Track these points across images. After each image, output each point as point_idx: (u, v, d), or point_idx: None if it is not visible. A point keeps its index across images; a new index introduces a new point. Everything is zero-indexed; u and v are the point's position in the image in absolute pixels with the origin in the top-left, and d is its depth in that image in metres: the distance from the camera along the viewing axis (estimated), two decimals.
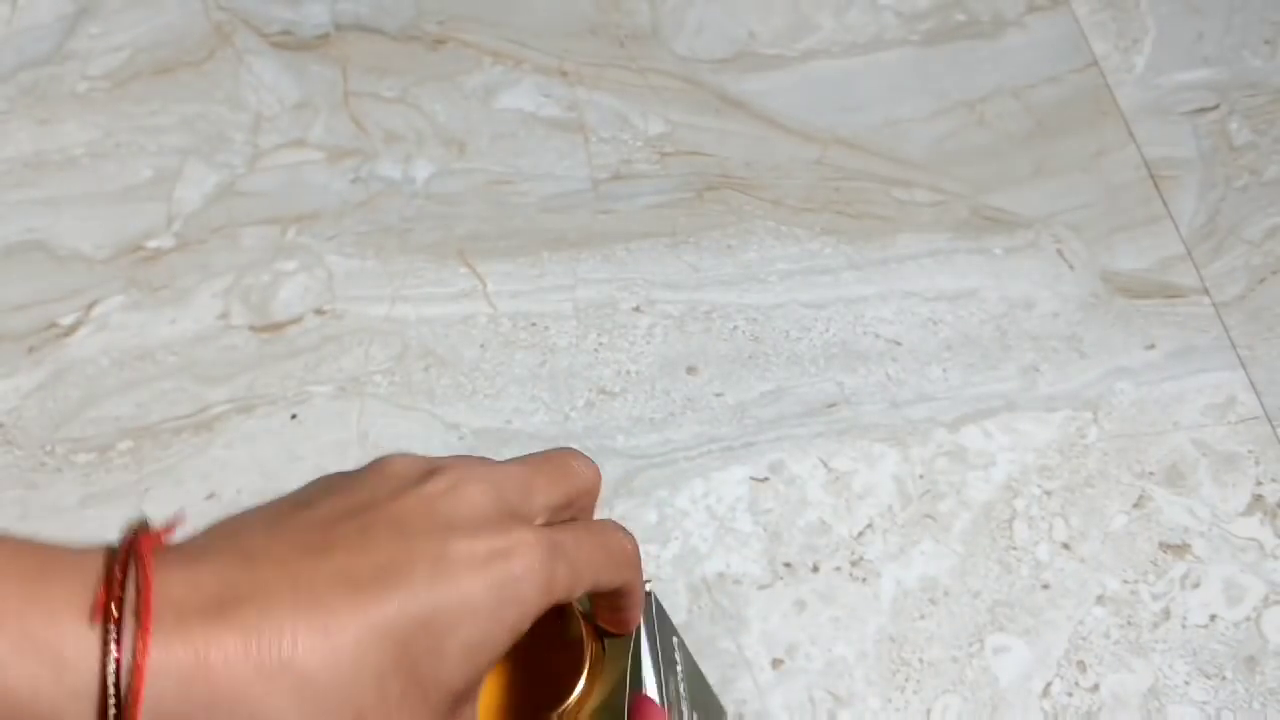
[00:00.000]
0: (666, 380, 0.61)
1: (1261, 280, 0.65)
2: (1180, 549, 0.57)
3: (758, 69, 0.71)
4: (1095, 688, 0.53)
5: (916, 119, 0.70)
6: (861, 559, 0.56)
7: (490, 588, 0.29)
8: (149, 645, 0.26)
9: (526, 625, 0.30)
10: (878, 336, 0.62)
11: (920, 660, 0.54)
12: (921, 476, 0.58)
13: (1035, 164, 0.69)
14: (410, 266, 0.63)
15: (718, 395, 0.60)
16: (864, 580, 0.55)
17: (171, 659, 0.26)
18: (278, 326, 0.61)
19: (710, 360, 0.61)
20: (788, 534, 0.56)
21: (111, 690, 0.26)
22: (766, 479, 0.58)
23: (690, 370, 0.61)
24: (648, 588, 0.39)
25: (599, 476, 0.35)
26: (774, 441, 0.59)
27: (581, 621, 0.37)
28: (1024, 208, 0.67)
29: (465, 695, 0.30)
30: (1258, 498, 0.58)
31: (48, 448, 0.57)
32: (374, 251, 0.64)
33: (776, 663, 0.53)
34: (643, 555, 0.55)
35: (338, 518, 0.30)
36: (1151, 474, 0.59)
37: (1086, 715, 0.53)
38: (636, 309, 0.63)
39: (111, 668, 0.26)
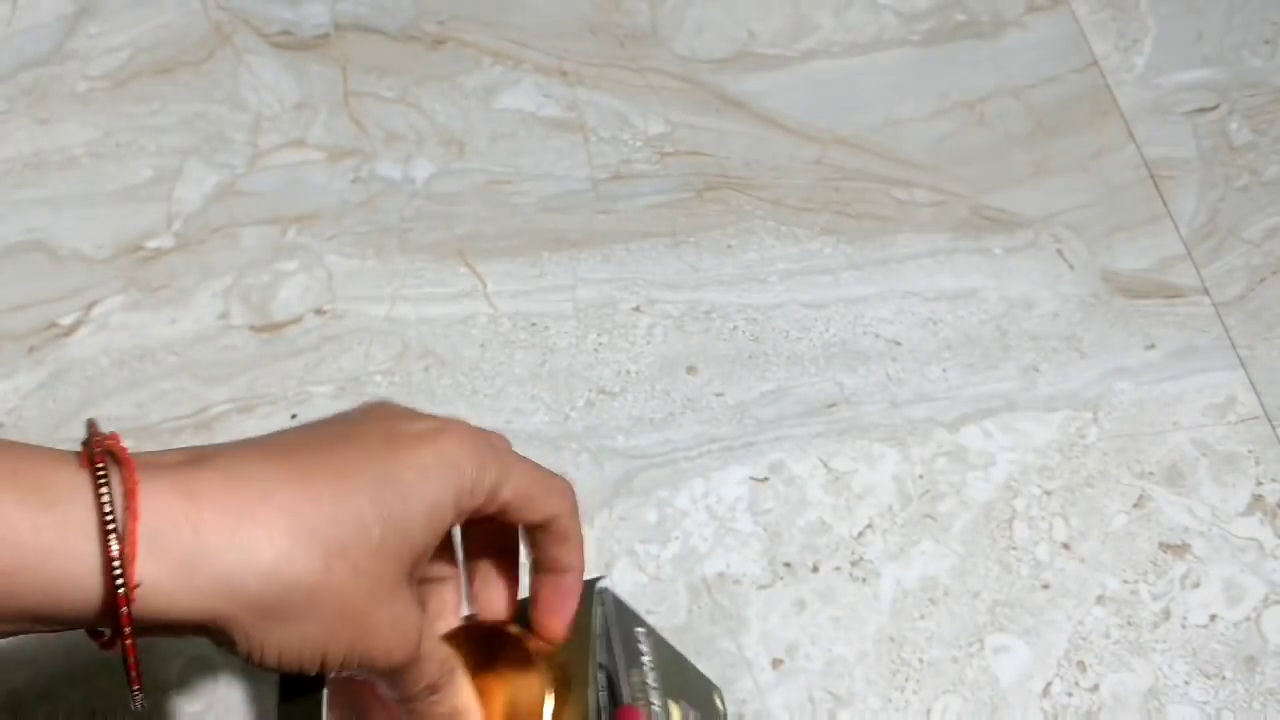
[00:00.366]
0: (666, 380, 0.61)
1: (1261, 280, 0.65)
2: (1180, 549, 0.57)
3: (758, 69, 0.71)
4: (1095, 688, 0.53)
5: (916, 119, 0.70)
6: (861, 559, 0.56)
7: (436, 454, 0.33)
8: (137, 476, 0.29)
9: (468, 505, 0.33)
10: (878, 336, 0.62)
11: (920, 660, 0.54)
12: (921, 476, 0.58)
13: (1035, 164, 0.69)
14: (410, 266, 0.63)
15: (718, 395, 0.60)
16: (864, 580, 0.55)
17: (158, 489, 0.29)
18: (278, 326, 0.61)
19: (710, 360, 0.61)
20: (788, 534, 0.56)
21: (109, 515, 0.28)
22: (766, 479, 0.58)
23: (690, 370, 0.61)
24: (603, 583, 0.39)
25: (571, 502, 0.37)
26: (774, 441, 0.59)
27: (531, 649, 0.37)
28: (1024, 208, 0.67)
29: (421, 559, 0.33)
30: (1258, 498, 0.58)
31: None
32: (374, 251, 0.64)
33: (776, 663, 0.53)
34: (643, 555, 0.55)
35: (310, 430, 0.34)
36: (1151, 474, 0.59)
37: (1086, 715, 0.53)
38: (636, 309, 0.63)
39: (106, 496, 0.28)
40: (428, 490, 0.33)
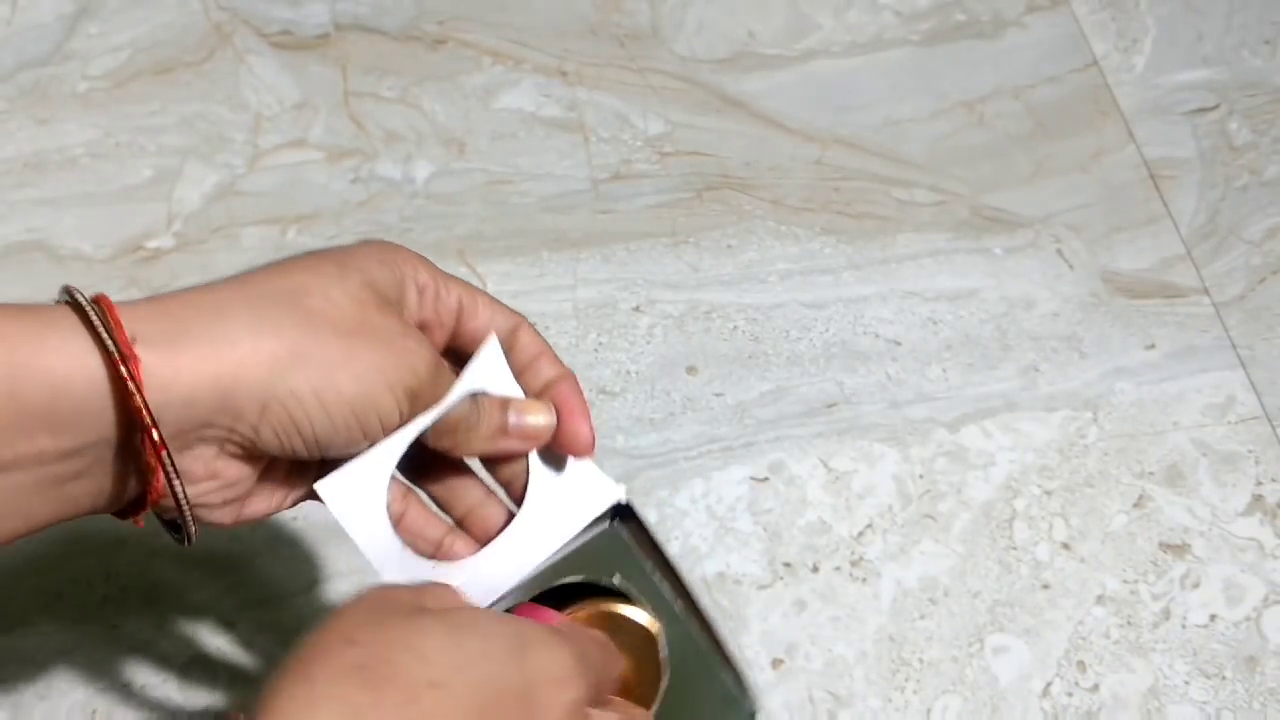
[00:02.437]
0: (666, 380, 0.61)
1: (1261, 280, 0.65)
2: (1180, 549, 0.57)
3: (758, 69, 0.71)
4: (1095, 688, 0.53)
5: (916, 119, 0.70)
6: (861, 559, 0.56)
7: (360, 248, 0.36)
8: (111, 300, 0.30)
9: (411, 275, 0.36)
10: (878, 336, 0.62)
11: (920, 660, 0.54)
12: (921, 476, 0.58)
13: (1035, 164, 0.69)
14: None
15: (718, 395, 0.60)
16: (864, 580, 0.55)
17: (133, 306, 0.31)
18: None
19: (710, 360, 0.61)
20: (788, 534, 0.56)
21: (95, 323, 0.29)
22: (766, 479, 0.58)
23: (690, 370, 0.61)
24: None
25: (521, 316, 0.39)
26: (774, 441, 0.59)
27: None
28: (1024, 208, 0.67)
29: (393, 298, 0.35)
30: (1258, 498, 0.58)
31: None
32: None
33: (776, 663, 0.53)
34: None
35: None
36: (1151, 474, 0.59)
37: (1086, 715, 0.53)
38: (636, 309, 0.63)
39: (93, 314, 0.29)
40: (367, 249, 0.35)
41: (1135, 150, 0.69)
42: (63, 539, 0.54)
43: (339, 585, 0.53)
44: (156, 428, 0.30)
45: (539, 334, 0.39)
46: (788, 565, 0.56)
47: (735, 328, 0.62)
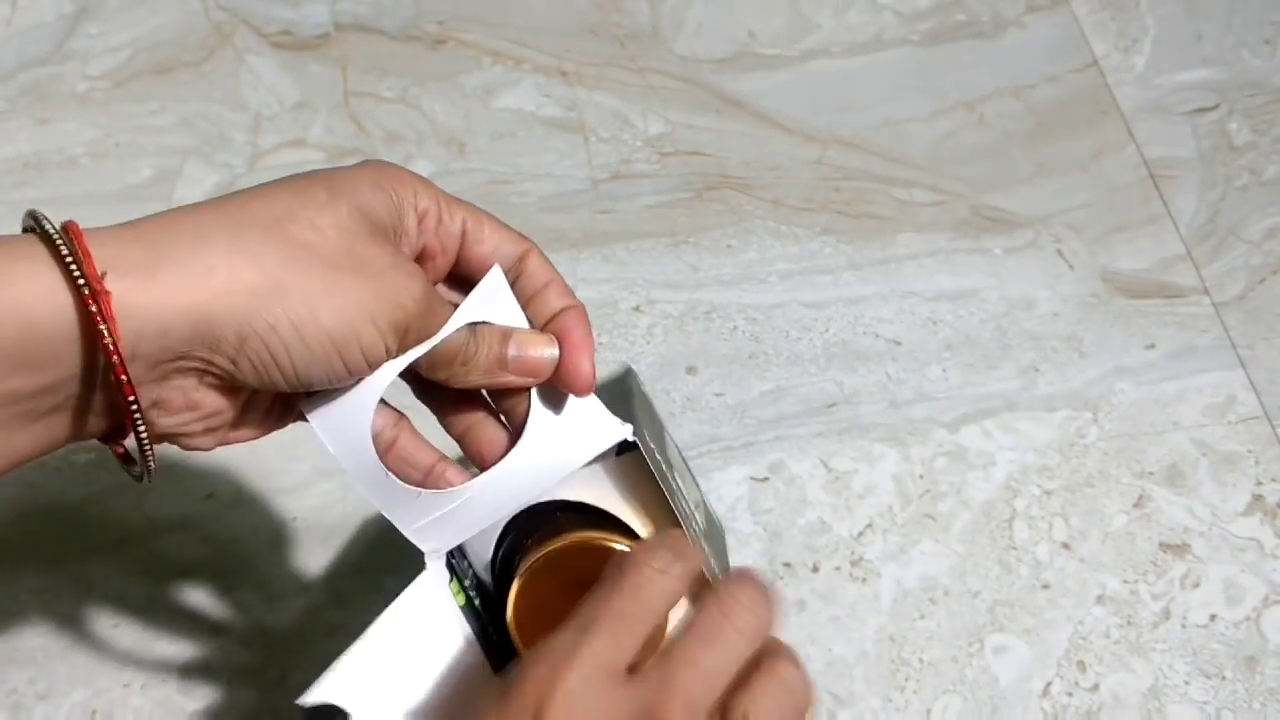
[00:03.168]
0: (666, 380, 0.61)
1: (1261, 280, 0.65)
2: (1180, 549, 0.57)
3: (758, 69, 0.71)
4: (1095, 688, 0.53)
5: (916, 119, 0.70)
6: (861, 559, 0.56)
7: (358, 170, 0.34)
8: (79, 228, 0.29)
9: (410, 197, 0.35)
10: (878, 336, 0.62)
11: (920, 660, 0.54)
12: (921, 476, 0.58)
13: (1035, 164, 0.69)
14: None
15: (718, 395, 0.60)
16: (864, 580, 0.55)
17: (101, 232, 0.30)
18: None
19: (710, 360, 0.61)
20: (788, 534, 0.56)
21: (61, 248, 0.28)
22: (766, 479, 0.58)
23: (690, 370, 0.61)
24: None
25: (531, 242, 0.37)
26: (774, 441, 0.59)
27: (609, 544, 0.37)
28: (1024, 208, 0.67)
29: (388, 225, 0.34)
30: (1258, 498, 0.58)
31: None
32: None
33: None
34: None
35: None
36: (1151, 474, 0.59)
37: (1086, 715, 0.53)
38: (636, 309, 0.63)
39: (57, 239, 0.28)
40: (363, 171, 0.34)
41: (1135, 150, 0.69)
42: (63, 539, 0.54)
43: (338, 586, 0.53)
44: (125, 370, 0.29)
45: (548, 261, 0.37)
46: (788, 565, 0.56)
47: (735, 328, 0.62)
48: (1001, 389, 0.61)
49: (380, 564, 0.54)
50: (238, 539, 0.54)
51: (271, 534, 0.54)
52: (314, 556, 0.54)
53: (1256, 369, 0.62)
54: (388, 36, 0.70)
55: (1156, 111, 0.71)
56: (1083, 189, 0.68)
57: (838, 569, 0.56)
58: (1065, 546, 0.57)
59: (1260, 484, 0.59)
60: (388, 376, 0.34)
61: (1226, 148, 0.70)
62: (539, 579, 0.37)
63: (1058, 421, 0.60)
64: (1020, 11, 0.74)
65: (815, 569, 0.56)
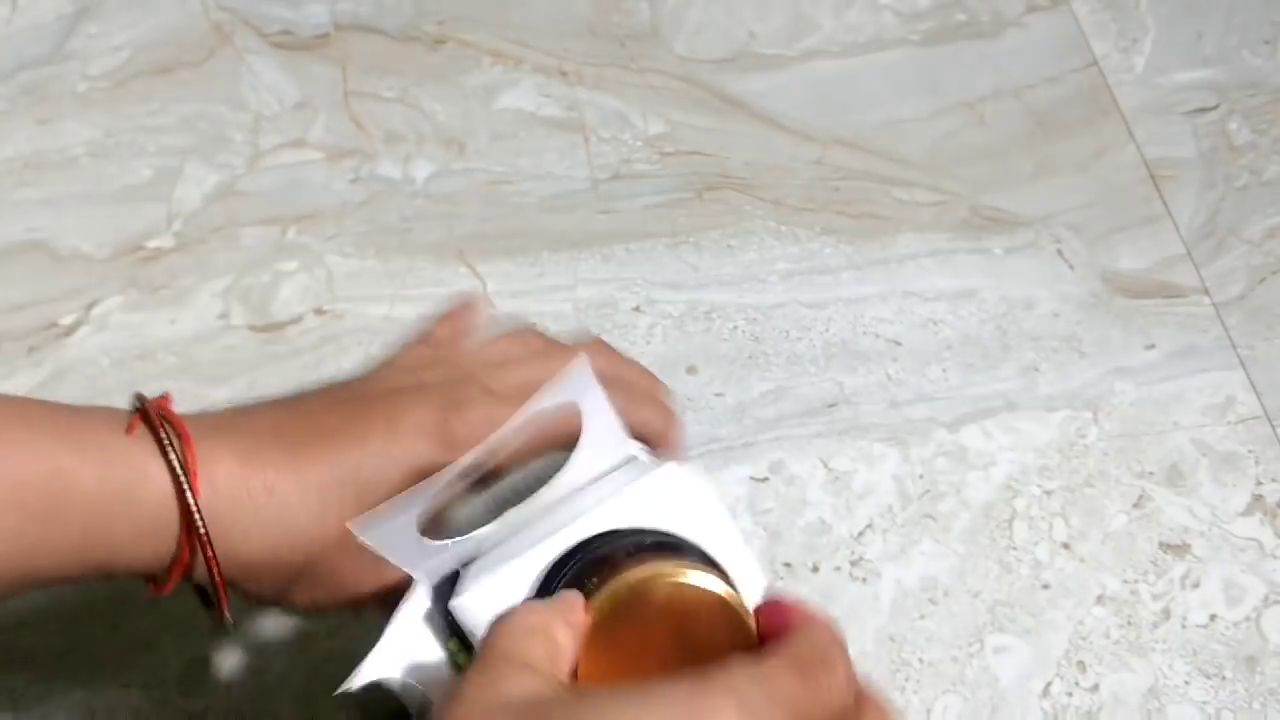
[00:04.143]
0: (667, 380, 0.60)
1: (1261, 280, 0.65)
2: (1180, 549, 0.57)
3: (758, 69, 0.71)
4: (1095, 688, 0.53)
5: (916, 119, 0.70)
6: (861, 559, 0.56)
7: (390, 423, 0.38)
8: (193, 447, 0.35)
9: (445, 455, 0.37)
10: (878, 336, 0.62)
11: (920, 660, 0.54)
12: (921, 476, 0.58)
13: (1035, 164, 0.69)
14: (410, 266, 0.63)
15: (718, 395, 0.60)
16: (864, 580, 0.55)
17: (210, 446, 0.36)
18: (278, 326, 0.61)
19: (710, 360, 0.61)
20: (788, 534, 0.56)
21: (182, 475, 0.34)
22: (766, 479, 0.58)
23: (690, 370, 0.61)
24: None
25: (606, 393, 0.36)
26: (774, 441, 0.59)
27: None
28: (1024, 208, 0.67)
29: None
30: (1258, 498, 0.58)
31: None
32: (374, 251, 0.64)
33: None
34: None
35: (330, 398, 0.40)
36: (1151, 474, 0.59)
37: (1086, 715, 0.53)
38: (636, 309, 0.63)
39: (172, 456, 0.34)
40: (396, 453, 0.38)
41: (1135, 150, 0.69)
42: None
43: None
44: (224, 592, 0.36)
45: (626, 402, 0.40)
46: (788, 565, 0.56)
47: (735, 328, 0.62)
48: (1001, 389, 0.61)
49: None
50: None
51: None
52: None
53: (1256, 369, 0.62)
54: (388, 36, 0.70)
55: (1156, 111, 0.71)
56: (1083, 189, 0.68)
57: (838, 569, 0.56)
58: (1065, 546, 0.57)
59: (1260, 484, 0.59)
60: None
61: (1226, 148, 0.70)
62: (618, 616, 0.31)
63: (1058, 421, 0.60)
64: (1020, 11, 0.74)
65: (815, 569, 0.56)
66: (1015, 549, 0.56)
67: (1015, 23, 0.74)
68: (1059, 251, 0.66)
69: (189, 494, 0.34)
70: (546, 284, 0.63)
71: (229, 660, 0.51)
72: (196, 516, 0.34)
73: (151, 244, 0.63)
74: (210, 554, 0.35)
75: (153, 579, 0.37)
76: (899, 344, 0.62)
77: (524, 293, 0.63)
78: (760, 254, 0.65)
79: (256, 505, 0.35)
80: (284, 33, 0.70)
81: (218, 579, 0.35)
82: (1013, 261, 0.65)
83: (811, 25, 0.73)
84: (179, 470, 0.34)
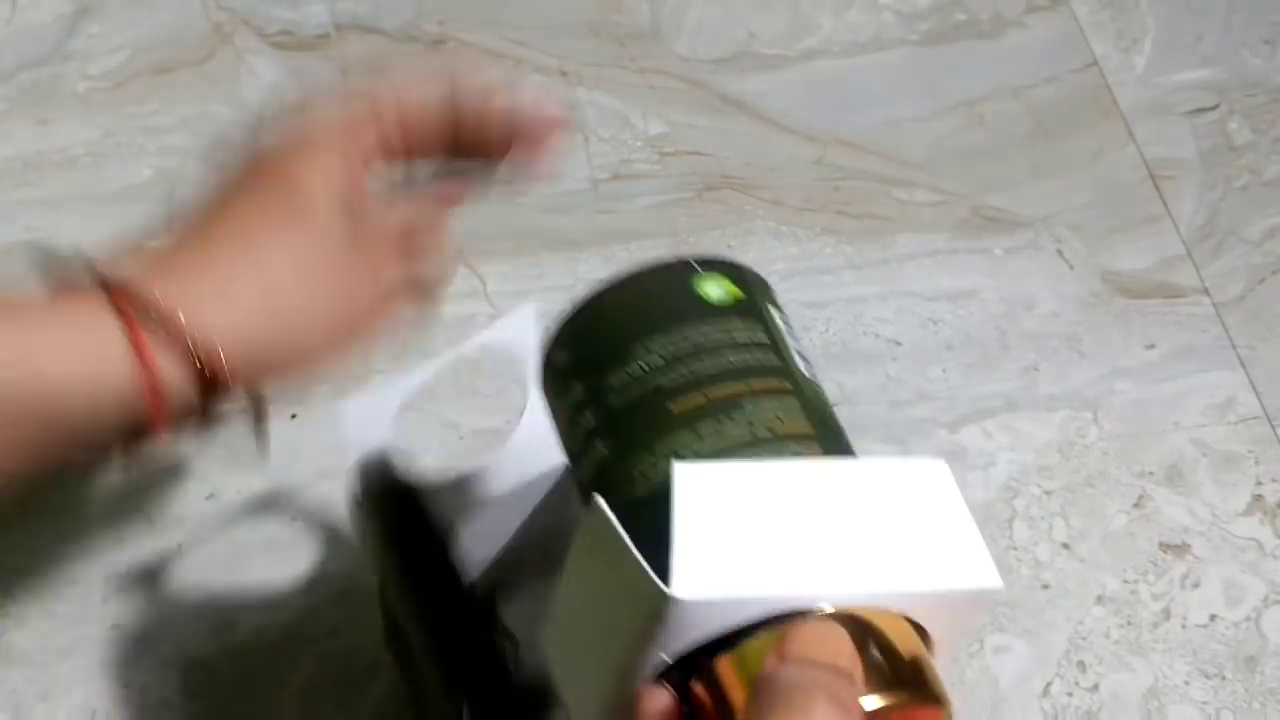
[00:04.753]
0: None
1: (1261, 280, 0.65)
2: (1180, 549, 0.57)
3: (758, 69, 0.71)
4: (1095, 688, 0.53)
5: (916, 119, 0.70)
6: None
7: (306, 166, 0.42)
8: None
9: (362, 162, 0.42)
10: (878, 336, 0.62)
11: None
12: None
13: (1035, 164, 0.69)
14: None
15: None
16: None
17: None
18: None
19: None
20: None
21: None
22: None
23: None
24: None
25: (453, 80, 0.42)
26: None
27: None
28: (1024, 208, 0.67)
29: (350, 211, 0.41)
30: (1258, 498, 0.58)
31: None
32: None
33: None
34: None
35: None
36: (1151, 474, 0.59)
37: (1086, 715, 0.53)
38: None
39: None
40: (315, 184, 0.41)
41: (1135, 150, 0.69)
42: (63, 539, 0.54)
43: (339, 586, 0.53)
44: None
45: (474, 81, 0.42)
46: None
47: None
48: (1001, 389, 0.61)
49: None
50: (237, 539, 0.54)
51: (271, 535, 0.54)
52: (313, 557, 0.54)
53: (1256, 369, 0.62)
54: (388, 36, 0.70)
55: (1156, 111, 0.71)
56: (1083, 189, 0.68)
57: None
58: (1065, 546, 0.57)
59: (1260, 484, 0.59)
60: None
61: (1226, 148, 0.70)
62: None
63: (1058, 421, 0.60)
64: (1020, 11, 0.74)
65: None
66: (1015, 549, 0.56)
67: (1015, 23, 0.74)
68: (1059, 251, 0.66)
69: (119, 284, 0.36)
70: (546, 284, 0.63)
71: (229, 661, 0.51)
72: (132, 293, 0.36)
73: (151, 244, 0.63)
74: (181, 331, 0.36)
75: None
76: (899, 344, 0.62)
77: (524, 293, 0.63)
78: (760, 254, 0.65)
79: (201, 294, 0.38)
80: (284, 33, 0.70)
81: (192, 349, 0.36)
82: (1013, 261, 0.65)
83: (811, 25, 0.73)
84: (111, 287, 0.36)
